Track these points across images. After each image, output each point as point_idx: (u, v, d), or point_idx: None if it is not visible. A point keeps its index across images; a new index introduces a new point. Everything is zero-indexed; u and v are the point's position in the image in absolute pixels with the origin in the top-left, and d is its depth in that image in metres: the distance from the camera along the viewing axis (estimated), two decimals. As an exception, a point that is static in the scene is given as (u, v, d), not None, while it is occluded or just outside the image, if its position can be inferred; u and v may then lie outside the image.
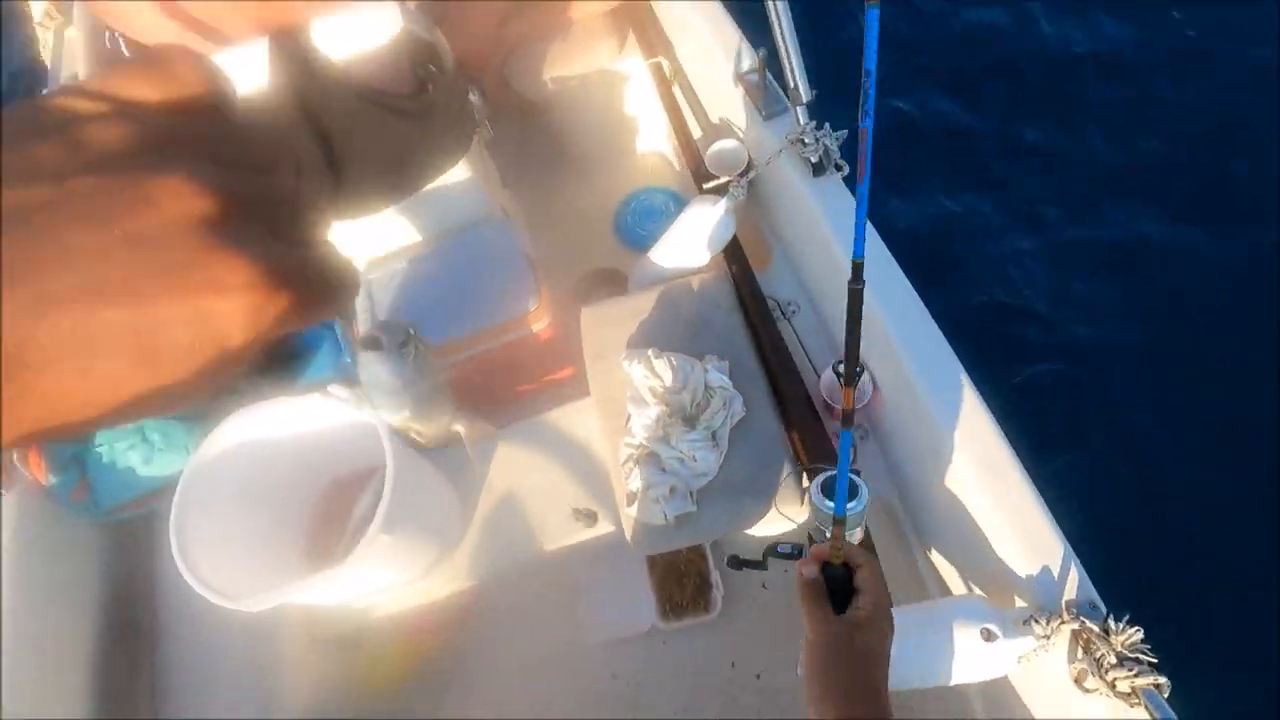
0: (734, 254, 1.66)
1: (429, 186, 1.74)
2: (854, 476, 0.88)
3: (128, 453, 1.52)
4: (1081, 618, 1.00)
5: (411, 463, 1.33)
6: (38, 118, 0.22)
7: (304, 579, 1.07)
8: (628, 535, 1.44)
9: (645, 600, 1.77)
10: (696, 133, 1.91)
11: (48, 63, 2.09)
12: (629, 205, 2.37)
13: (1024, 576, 1.09)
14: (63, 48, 2.09)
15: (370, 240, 1.80)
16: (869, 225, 1.42)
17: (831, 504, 0.80)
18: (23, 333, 0.19)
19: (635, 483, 1.42)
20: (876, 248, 1.38)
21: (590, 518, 1.08)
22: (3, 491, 1.40)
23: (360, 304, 1.73)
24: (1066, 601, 1.04)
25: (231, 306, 0.22)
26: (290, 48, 1.32)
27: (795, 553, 0.94)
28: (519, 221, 1.93)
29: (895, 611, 1.21)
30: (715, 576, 1.77)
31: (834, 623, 0.69)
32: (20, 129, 0.21)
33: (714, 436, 1.43)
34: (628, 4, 2.05)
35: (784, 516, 1.42)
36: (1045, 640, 1.02)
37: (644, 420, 1.45)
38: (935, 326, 1.29)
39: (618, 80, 2.18)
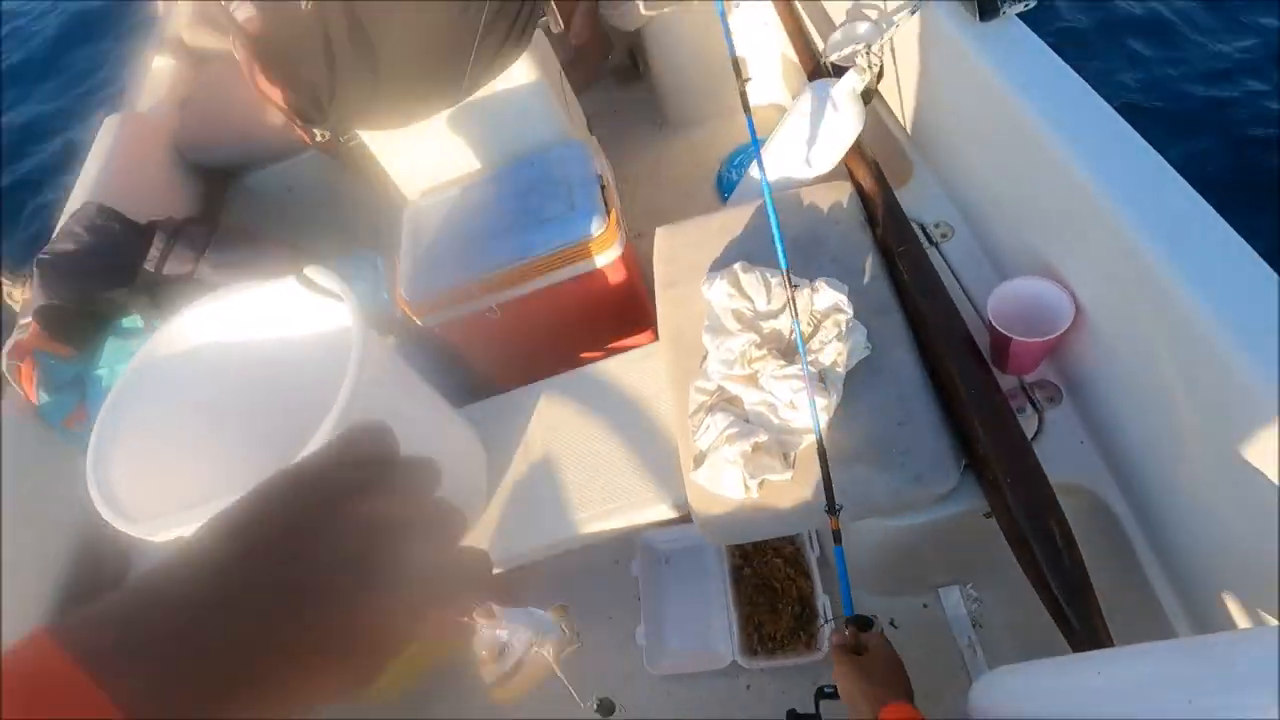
0: (861, 162, 1.25)
1: (488, 98, 1.50)
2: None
3: (131, 377, 1.33)
4: None
5: (404, 381, 1.01)
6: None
7: (219, 502, 0.76)
8: (693, 514, 1.02)
9: (726, 626, 1.32)
10: (821, 44, 1.54)
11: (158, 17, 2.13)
12: (734, 160, 2.01)
13: None
14: (171, 10, 2.12)
15: (426, 169, 1.56)
16: (1061, 61, 0.98)
17: None
18: None
19: (707, 438, 1.01)
20: (1072, 83, 0.93)
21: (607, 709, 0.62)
22: (-12, 406, 1.24)
23: (406, 234, 1.49)
24: None
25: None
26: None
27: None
28: (595, 143, 1.63)
29: (1133, 649, 0.70)
30: (824, 602, 1.29)
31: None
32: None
33: (822, 378, 0.99)
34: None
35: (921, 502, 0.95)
36: None
37: (724, 355, 1.04)
38: (1190, 188, 0.80)
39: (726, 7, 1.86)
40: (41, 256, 1.27)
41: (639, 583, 1.40)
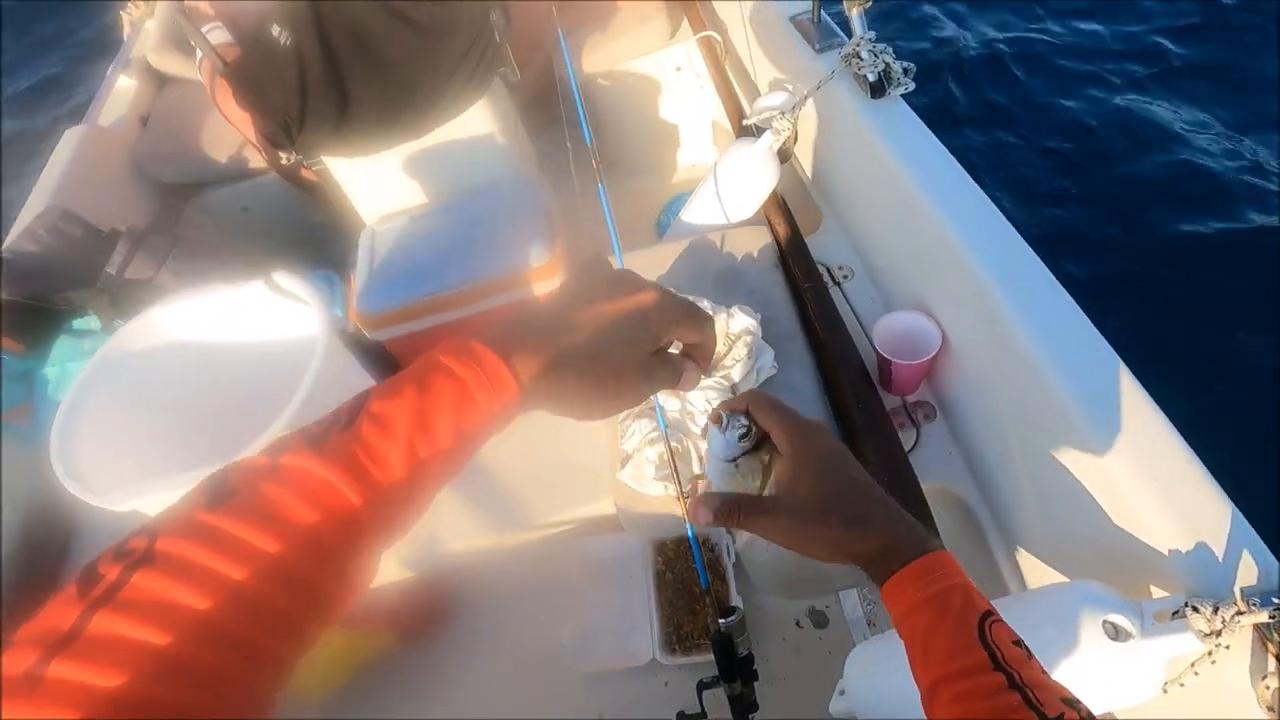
0: (778, 210, 1.43)
1: (447, 137, 1.63)
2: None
3: (81, 377, 1.37)
4: None
5: (360, 382, 1.10)
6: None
7: (179, 475, 0.84)
8: (617, 509, 1.14)
9: (647, 625, 1.42)
10: (748, 111, 1.75)
11: (124, 39, 2.19)
12: (670, 207, 2.19)
13: (1168, 554, 0.74)
14: (139, 33, 2.19)
15: (386, 197, 1.68)
16: (932, 136, 1.19)
17: None
18: None
19: (632, 441, 1.14)
20: (939, 155, 1.13)
21: None
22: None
23: (362, 254, 1.59)
24: (1241, 589, 0.68)
25: None
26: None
27: None
28: (545, 182, 1.77)
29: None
30: (738, 601, 1.41)
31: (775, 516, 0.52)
32: None
33: (733, 391, 1.14)
34: (681, -14, 1.97)
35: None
36: (1212, 640, 0.65)
37: (650, 369, 1.18)
38: (1025, 243, 1.00)
39: (666, 70, 2.07)
40: (3, 255, 1.32)
41: (573, 576, 1.49)
